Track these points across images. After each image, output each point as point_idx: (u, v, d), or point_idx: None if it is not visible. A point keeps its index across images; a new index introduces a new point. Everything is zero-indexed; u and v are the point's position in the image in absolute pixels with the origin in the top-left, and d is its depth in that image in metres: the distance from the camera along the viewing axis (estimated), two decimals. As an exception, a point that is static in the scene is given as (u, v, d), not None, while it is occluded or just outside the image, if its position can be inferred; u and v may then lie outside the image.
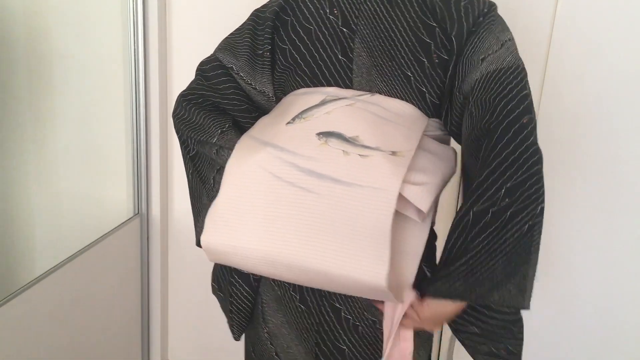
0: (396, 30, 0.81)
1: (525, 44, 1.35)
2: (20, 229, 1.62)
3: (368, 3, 0.82)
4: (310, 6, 0.87)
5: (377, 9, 0.82)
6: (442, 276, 0.73)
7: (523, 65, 0.77)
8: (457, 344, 1.57)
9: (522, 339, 0.80)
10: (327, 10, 0.85)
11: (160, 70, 1.57)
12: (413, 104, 0.82)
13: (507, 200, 0.69)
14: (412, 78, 0.81)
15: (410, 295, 0.75)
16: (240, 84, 0.93)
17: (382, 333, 0.85)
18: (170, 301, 1.78)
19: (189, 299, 1.77)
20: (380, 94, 0.82)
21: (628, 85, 1.29)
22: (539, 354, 1.50)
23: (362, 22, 0.83)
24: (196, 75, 0.97)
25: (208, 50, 1.57)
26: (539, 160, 0.70)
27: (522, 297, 0.73)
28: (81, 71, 1.59)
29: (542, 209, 0.71)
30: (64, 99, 1.59)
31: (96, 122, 1.63)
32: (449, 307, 0.76)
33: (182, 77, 1.61)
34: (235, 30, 0.97)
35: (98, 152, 1.65)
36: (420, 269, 0.78)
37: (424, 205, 0.70)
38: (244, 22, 0.96)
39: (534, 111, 0.73)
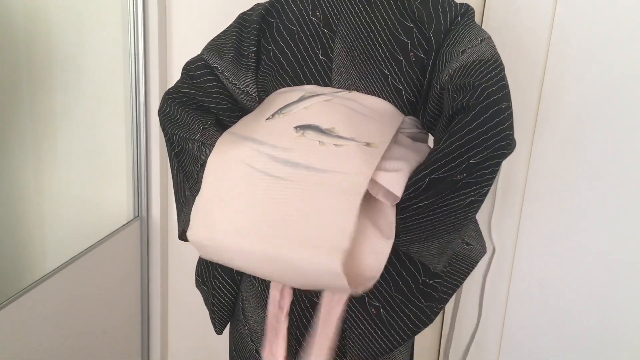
0: (374, 30, 0.85)
1: (524, 45, 1.35)
2: (20, 232, 1.62)
3: (348, 5, 0.87)
4: (294, 8, 0.91)
5: (357, 10, 0.87)
6: None
7: (501, 60, 0.81)
8: (453, 343, 1.57)
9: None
10: (310, 12, 0.89)
11: (161, 72, 1.57)
12: (390, 101, 0.86)
13: (464, 174, 0.72)
14: (389, 76, 0.85)
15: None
16: (225, 83, 0.95)
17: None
18: (170, 304, 1.78)
19: (189, 302, 1.76)
20: (358, 91, 0.86)
21: (627, 86, 1.29)
22: (534, 354, 1.50)
23: (343, 23, 0.87)
24: (182, 74, 0.99)
25: (208, 53, 1.58)
26: (507, 147, 0.73)
27: (439, 258, 0.80)
28: (81, 73, 1.59)
29: (488, 190, 0.76)
30: (64, 102, 1.59)
31: (96, 124, 1.63)
32: None
33: (182, 79, 1.61)
34: (221, 32, 1.00)
35: (98, 154, 1.65)
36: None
37: (398, 190, 0.72)
38: (231, 25, 0.99)
39: (511, 103, 0.76)
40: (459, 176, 0.72)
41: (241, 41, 0.94)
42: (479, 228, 0.95)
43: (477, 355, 1.56)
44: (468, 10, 0.87)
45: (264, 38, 0.92)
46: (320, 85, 0.88)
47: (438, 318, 1.60)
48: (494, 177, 0.75)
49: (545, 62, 1.34)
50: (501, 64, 0.80)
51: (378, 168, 0.73)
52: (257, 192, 0.75)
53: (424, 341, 1.61)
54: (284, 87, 0.90)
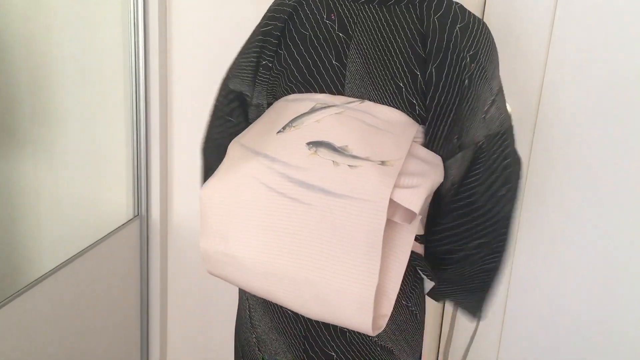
0: (393, 40, 0.80)
1: (524, 46, 1.35)
2: (20, 232, 1.62)
3: (367, 10, 0.82)
4: (308, 11, 0.86)
5: (376, 16, 0.81)
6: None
7: (510, 122, 0.84)
8: (453, 345, 1.57)
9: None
10: (325, 15, 0.84)
11: (161, 72, 1.57)
12: (403, 112, 0.81)
13: (478, 249, 0.82)
14: (403, 89, 0.80)
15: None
16: (247, 104, 0.94)
17: (370, 339, 0.86)
18: (170, 304, 1.78)
19: (189, 302, 1.76)
20: (371, 101, 0.82)
21: (627, 87, 1.29)
22: (534, 354, 1.50)
23: (360, 28, 0.82)
24: (214, 117, 1.00)
25: (209, 53, 1.58)
26: (509, 226, 0.83)
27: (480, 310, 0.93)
28: (81, 73, 1.58)
29: (502, 258, 0.85)
30: (63, 101, 1.59)
31: (96, 123, 1.63)
32: None
33: (183, 78, 1.61)
34: (243, 49, 0.97)
35: (98, 153, 1.65)
36: (414, 272, 0.87)
37: (415, 206, 0.70)
38: (251, 38, 0.94)
39: (515, 178, 0.83)
40: (473, 252, 0.84)
41: (258, 53, 0.91)
42: None
43: (477, 354, 1.56)
44: (488, 47, 0.81)
45: (279, 45, 0.88)
46: (332, 92, 0.84)
47: (438, 317, 1.60)
48: (505, 250, 0.86)
49: (545, 63, 1.34)
50: (508, 130, 0.83)
51: (395, 185, 0.71)
52: (273, 212, 0.73)
53: (424, 340, 1.61)
54: (294, 92, 0.86)
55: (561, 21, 1.31)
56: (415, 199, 0.71)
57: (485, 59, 0.79)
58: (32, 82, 1.55)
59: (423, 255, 0.87)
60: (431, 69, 0.78)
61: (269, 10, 0.91)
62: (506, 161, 0.82)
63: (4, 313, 1.14)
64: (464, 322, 1.54)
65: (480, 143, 0.81)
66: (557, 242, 1.42)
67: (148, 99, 1.57)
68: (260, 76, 0.90)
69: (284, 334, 0.90)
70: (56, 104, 1.59)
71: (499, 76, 0.83)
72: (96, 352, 1.51)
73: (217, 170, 0.81)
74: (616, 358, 1.43)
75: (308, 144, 0.76)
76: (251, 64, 0.91)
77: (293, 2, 0.87)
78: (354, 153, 0.74)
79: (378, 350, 0.85)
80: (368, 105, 0.81)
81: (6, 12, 1.47)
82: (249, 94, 0.93)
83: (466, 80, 0.77)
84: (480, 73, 0.78)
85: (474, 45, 0.78)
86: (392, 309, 0.72)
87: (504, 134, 0.82)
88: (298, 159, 0.75)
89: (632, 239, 1.36)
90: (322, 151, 0.75)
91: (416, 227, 0.75)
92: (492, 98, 0.81)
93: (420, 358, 0.99)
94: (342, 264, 0.70)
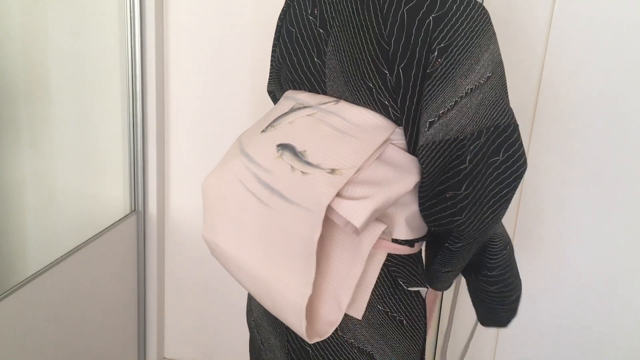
0: (362, 35, 0.74)
1: (522, 43, 1.35)
2: (16, 226, 1.62)
3: (343, 4, 0.77)
4: (297, 7, 0.85)
5: (351, 10, 0.76)
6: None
7: (471, 129, 0.71)
8: (451, 340, 1.57)
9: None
10: (309, 11, 0.82)
11: (158, 68, 1.56)
12: (379, 113, 0.78)
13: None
14: (373, 90, 0.75)
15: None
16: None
17: (345, 340, 0.86)
18: (167, 299, 1.78)
19: (186, 297, 1.77)
20: (347, 101, 0.79)
21: (625, 84, 1.29)
22: (533, 351, 1.50)
23: (337, 23, 0.78)
24: None
25: (205, 49, 1.58)
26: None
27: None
28: (78, 68, 1.58)
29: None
30: (60, 96, 1.58)
31: (93, 119, 1.63)
32: None
33: (179, 74, 1.60)
34: None
35: (95, 149, 1.65)
36: (395, 282, 0.81)
37: (358, 220, 0.68)
38: None
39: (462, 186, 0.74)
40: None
41: (273, 50, 0.96)
42: None
43: (476, 353, 1.56)
44: (457, 36, 0.69)
45: (277, 40, 0.92)
46: (316, 90, 0.82)
47: (435, 315, 1.60)
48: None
49: (543, 61, 1.34)
50: (468, 138, 0.71)
51: (340, 195, 0.69)
52: (245, 210, 0.77)
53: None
54: (290, 88, 0.89)
55: (559, 19, 1.31)
56: (360, 211, 0.68)
57: (460, 53, 0.69)
58: (29, 78, 1.55)
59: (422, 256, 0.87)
60: (397, 70, 0.72)
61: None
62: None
63: (1, 308, 1.14)
64: (462, 319, 1.55)
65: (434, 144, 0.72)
66: (555, 239, 1.43)
67: (145, 95, 1.57)
68: (276, 70, 0.96)
69: (272, 322, 0.93)
70: (53, 100, 1.58)
71: (483, 73, 0.70)
72: (93, 347, 1.51)
73: (219, 162, 0.86)
74: (616, 357, 1.44)
75: (277, 146, 0.77)
76: (271, 62, 0.98)
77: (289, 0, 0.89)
78: (309, 159, 0.73)
79: (355, 352, 0.84)
80: (342, 106, 0.78)
81: (3, 9, 1.47)
82: (277, 91, 0.99)
83: (431, 77, 0.70)
84: (447, 70, 0.69)
85: (447, 37, 0.69)
86: (341, 317, 0.73)
87: (460, 142, 0.70)
88: (267, 161, 0.77)
89: (631, 236, 1.36)
90: (286, 155, 0.76)
91: (375, 237, 0.73)
92: (454, 100, 0.70)
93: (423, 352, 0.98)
94: (283, 269, 0.72)
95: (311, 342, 0.73)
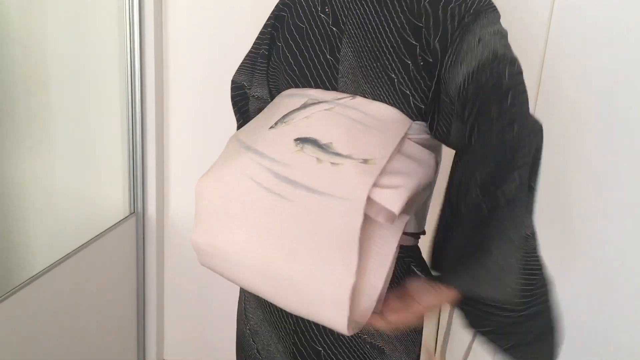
0: (382, 30, 0.79)
1: (522, 40, 1.35)
2: (16, 228, 1.61)
3: (358, 2, 0.82)
4: (305, 5, 0.87)
5: (367, 8, 0.81)
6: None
7: (502, 53, 0.73)
8: (451, 339, 1.57)
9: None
10: (319, 8, 0.85)
11: (157, 69, 1.57)
12: (397, 107, 0.80)
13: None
14: (395, 80, 0.79)
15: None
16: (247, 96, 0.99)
17: (359, 336, 0.85)
18: (166, 300, 1.78)
19: (185, 298, 1.77)
20: (364, 96, 0.81)
21: (626, 81, 1.30)
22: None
23: (351, 21, 0.82)
24: (234, 111, 1.08)
25: (204, 48, 1.58)
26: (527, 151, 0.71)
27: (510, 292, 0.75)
28: (77, 69, 1.58)
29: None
30: (59, 98, 1.58)
31: (92, 120, 1.63)
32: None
33: (178, 75, 1.60)
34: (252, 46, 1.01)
35: (94, 150, 1.65)
36: (406, 270, 0.81)
37: (396, 207, 0.69)
38: (259, 35, 0.99)
39: (517, 115, 0.70)
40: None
41: (259, 44, 0.94)
42: None
43: (474, 351, 1.56)
44: (478, 5, 0.76)
45: (277, 36, 0.90)
46: (326, 87, 0.84)
47: (435, 314, 1.60)
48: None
49: (543, 60, 1.34)
50: (499, 59, 0.72)
51: (375, 185, 0.69)
52: (258, 207, 0.74)
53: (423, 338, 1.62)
54: (292, 87, 0.87)
55: (559, 18, 1.31)
56: (397, 199, 0.69)
57: (479, 11, 0.76)
58: (28, 79, 1.55)
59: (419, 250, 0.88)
60: (434, 45, 0.76)
61: (276, 5, 0.94)
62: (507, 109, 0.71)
63: (0, 310, 1.14)
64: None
65: (462, 84, 0.73)
66: (557, 238, 1.43)
67: (144, 96, 1.57)
68: (258, 65, 0.93)
69: (275, 326, 0.92)
70: (52, 101, 1.58)
71: (491, 29, 0.76)
72: (93, 348, 1.51)
73: (213, 164, 0.82)
74: (616, 357, 1.44)
75: (295, 140, 0.76)
76: (251, 54, 0.96)
77: None
78: (337, 150, 0.73)
79: (367, 348, 0.85)
80: (359, 101, 0.80)
81: (3, 10, 1.47)
82: (246, 83, 0.98)
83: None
84: (470, 24, 0.75)
85: (468, 5, 0.76)
86: (372, 309, 0.72)
87: (497, 61, 0.72)
88: (285, 155, 0.75)
89: (632, 235, 1.36)
90: (308, 148, 0.74)
91: (401, 228, 0.74)
92: (477, 38, 0.75)
93: (419, 357, 0.98)
94: (319, 262, 0.70)
95: (349, 334, 0.71)
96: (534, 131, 0.71)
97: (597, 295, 1.42)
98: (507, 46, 0.76)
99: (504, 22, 0.84)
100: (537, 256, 0.79)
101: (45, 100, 1.58)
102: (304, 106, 0.81)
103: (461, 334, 1.57)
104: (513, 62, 0.74)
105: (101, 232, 1.49)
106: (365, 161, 0.72)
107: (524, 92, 0.73)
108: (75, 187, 1.66)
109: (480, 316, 0.80)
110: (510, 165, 0.68)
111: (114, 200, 1.64)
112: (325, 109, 0.79)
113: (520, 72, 0.74)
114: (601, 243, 1.39)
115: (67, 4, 1.55)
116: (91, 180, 1.66)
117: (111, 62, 1.57)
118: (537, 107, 1.37)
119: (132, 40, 1.53)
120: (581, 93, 1.33)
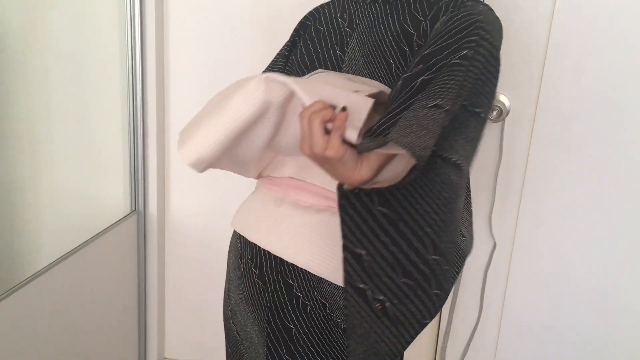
0: (386, 24, 0.90)
1: (523, 41, 1.35)
2: (16, 227, 1.62)
3: (371, 8, 0.94)
4: (327, 13, 1.01)
5: (377, 11, 0.93)
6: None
7: (477, 16, 0.78)
8: (451, 338, 1.57)
9: None
10: (339, 14, 0.98)
11: (158, 67, 1.56)
12: (391, 88, 0.88)
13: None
14: (393, 65, 0.87)
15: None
16: None
17: (332, 319, 0.85)
18: (167, 298, 1.78)
19: (186, 297, 1.77)
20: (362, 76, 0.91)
21: (626, 83, 1.29)
22: (535, 352, 1.50)
23: (363, 22, 0.93)
24: None
25: (205, 48, 1.58)
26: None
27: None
28: (78, 68, 1.58)
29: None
30: (60, 96, 1.58)
31: (93, 118, 1.63)
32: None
33: (179, 74, 1.60)
34: None
35: (95, 149, 1.65)
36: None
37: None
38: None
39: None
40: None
41: (281, 50, 1.05)
42: (472, 221, 0.95)
43: (475, 350, 1.56)
44: (472, 1, 0.83)
45: (298, 40, 1.02)
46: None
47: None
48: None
49: (544, 59, 1.34)
50: (471, 15, 0.78)
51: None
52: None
53: (422, 336, 1.62)
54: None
55: (560, 17, 1.31)
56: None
57: (469, 3, 0.83)
58: (29, 78, 1.55)
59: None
60: (426, 27, 0.85)
61: (303, 16, 1.07)
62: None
63: (1, 308, 1.14)
64: (461, 317, 1.55)
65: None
66: (555, 237, 1.43)
67: (145, 94, 1.57)
68: (278, 64, 1.03)
69: (252, 304, 0.93)
70: (53, 100, 1.58)
71: (474, 9, 0.82)
72: (94, 347, 1.51)
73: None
74: (616, 356, 1.44)
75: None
76: (272, 60, 1.05)
77: (319, 6, 1.05)
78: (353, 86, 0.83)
79: (340, 333, 0.86)
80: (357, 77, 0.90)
81: (3, 8, 1.47)
82: None
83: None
84: (461, 5, 0.83)
85: (457, 4, 0.84)
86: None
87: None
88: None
89: (631, 233, 1.36)
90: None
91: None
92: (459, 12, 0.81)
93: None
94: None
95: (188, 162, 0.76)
96: (490, 23, 0.78)
97: (598, 296, 1.42)
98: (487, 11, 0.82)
99: (505, 22, 0.87)
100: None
101: (46, 99, 1.58)
102: (308, 75, 0.92)
103: (461, 333, 1.58)
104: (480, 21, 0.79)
105: (102, 230, 1.49)
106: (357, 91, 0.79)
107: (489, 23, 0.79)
108: (76, 185, 1.66)
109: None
110: (455, 44, 0.75)
111: (115, 198, 1.64)
112: (325, 74, 0.90)
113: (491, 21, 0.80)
114: (602, 244, 1.39)
115: (67, 4, 1.55)
116: (92, 178, 1.66)
117: (112, 60, 1.56)
118: (538, 107, 1.36)
119: (133, 39, 1.53)
120: (582, 93, 1.33)
